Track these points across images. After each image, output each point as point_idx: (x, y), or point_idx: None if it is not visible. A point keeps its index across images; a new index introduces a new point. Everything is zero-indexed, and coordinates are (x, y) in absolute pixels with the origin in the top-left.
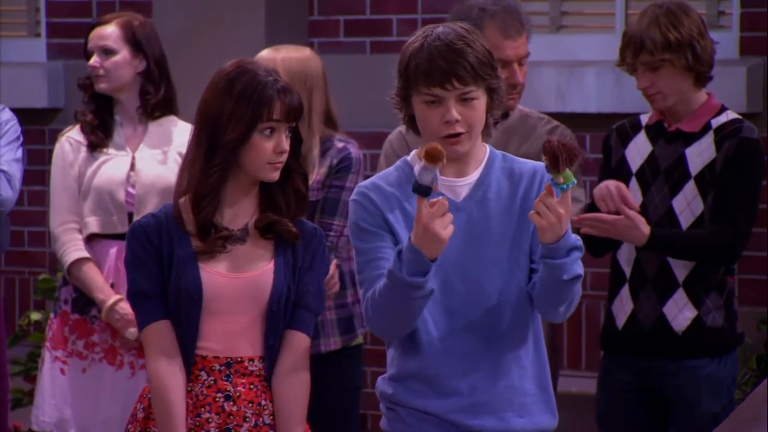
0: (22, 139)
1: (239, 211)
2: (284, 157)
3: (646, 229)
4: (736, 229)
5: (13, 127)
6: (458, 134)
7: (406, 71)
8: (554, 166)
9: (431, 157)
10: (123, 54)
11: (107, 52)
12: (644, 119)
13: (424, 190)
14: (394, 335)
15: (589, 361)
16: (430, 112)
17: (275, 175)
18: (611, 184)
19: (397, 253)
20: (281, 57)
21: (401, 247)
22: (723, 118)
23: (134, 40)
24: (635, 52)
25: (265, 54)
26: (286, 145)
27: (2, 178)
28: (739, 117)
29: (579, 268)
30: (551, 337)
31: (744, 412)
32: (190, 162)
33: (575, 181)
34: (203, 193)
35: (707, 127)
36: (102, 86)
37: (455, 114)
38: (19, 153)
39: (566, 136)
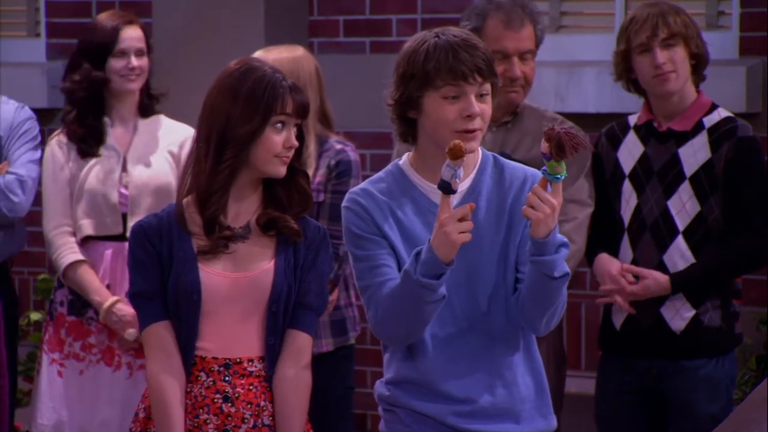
0: (40, 139)
1: (242, 209)
2: (292, 152)
3: (665, 282)
4: (757, 232)
5: (32, 128)
6: (474, 130)
7: (423, 69)
8: (558, 154)
9: (454, 154)
10: (147, 54)
11: (140, 52)
12: (632, 120)
13: (446, 187)
14: (404, 341)
15: (589, 361)
16: (448, 108)
17: (282, 170)
18: (611, 272)
19: (415, 254)
20: (272, 58)
21: (420, 248)
22: (715, 117)
23: (147, 40)
24: (653, 29)
25: (257, 56)
26: (294, 140)
27: (15, 182)
28: (732, 115)
29: (566, 267)
30: (560, 351)
31: (744, 413)
32: (195, 161)
33: (566, 174)
34: (213, 189)
35: (699, 126)
36: (134, 86)
37: (477, 108)
38: (37, 154)
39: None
